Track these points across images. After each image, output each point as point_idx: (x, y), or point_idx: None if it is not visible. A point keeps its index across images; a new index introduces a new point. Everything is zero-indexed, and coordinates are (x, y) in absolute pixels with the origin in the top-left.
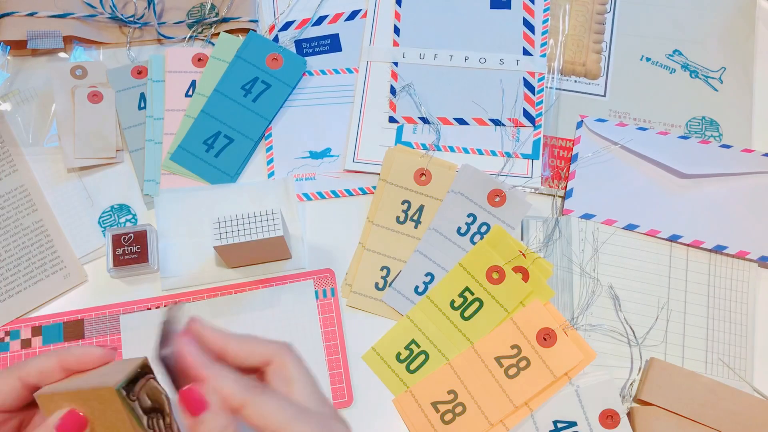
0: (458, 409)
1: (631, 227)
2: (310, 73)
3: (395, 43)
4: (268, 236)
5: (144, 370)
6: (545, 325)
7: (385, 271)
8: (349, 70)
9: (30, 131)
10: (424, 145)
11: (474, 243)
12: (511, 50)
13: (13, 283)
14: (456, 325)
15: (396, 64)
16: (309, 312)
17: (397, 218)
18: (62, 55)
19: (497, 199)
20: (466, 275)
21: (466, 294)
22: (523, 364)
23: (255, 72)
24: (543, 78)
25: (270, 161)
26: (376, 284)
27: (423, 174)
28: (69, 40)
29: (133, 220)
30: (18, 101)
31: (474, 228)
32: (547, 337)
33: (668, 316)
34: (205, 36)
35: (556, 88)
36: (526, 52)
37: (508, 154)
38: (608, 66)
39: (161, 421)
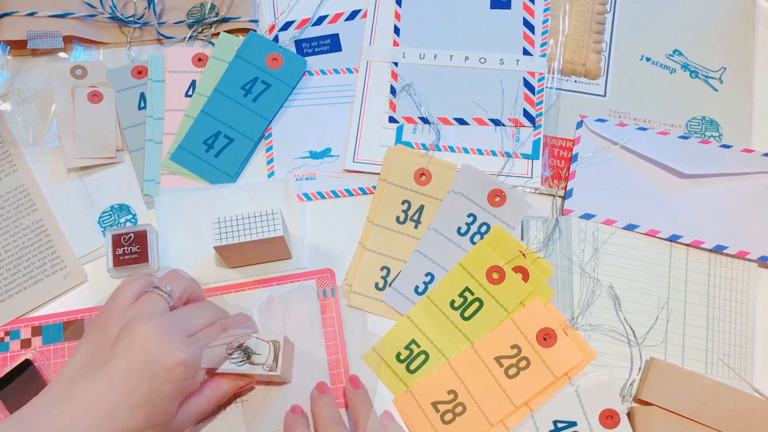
0: (458, 409)
1: (631, 227)
2: (310, 73)
3: (395, 43)
4: (268, 236)
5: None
6: (545, 325)
7: (385, 271)
8: (349, 70)
9: (30, 131)
10: (424, 145)
11: (474, 243)
12: (511, 50)
13: (13, 283)
14: (456, 325)
15: (396, 64)
16: (309, 312)
17: (397, 218)
18: (62, 55)
19: (497, 199)
20: (466, 275)
21: (466, 294)
22: (523, 364)
23: (255, 72)
24: (543, 78)
25: (270, 161)
26: (376, 284)
27: (423, 174)
28: (69, 40)
29: (133, 220)
30: (18, 101)
31: (474, 228)
32: (547, 337)
33: (668, 316)
34: (205, 36)
35: (556, 88)
36: (526, 52)
37: (508, 154)
38: (608, 66)
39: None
